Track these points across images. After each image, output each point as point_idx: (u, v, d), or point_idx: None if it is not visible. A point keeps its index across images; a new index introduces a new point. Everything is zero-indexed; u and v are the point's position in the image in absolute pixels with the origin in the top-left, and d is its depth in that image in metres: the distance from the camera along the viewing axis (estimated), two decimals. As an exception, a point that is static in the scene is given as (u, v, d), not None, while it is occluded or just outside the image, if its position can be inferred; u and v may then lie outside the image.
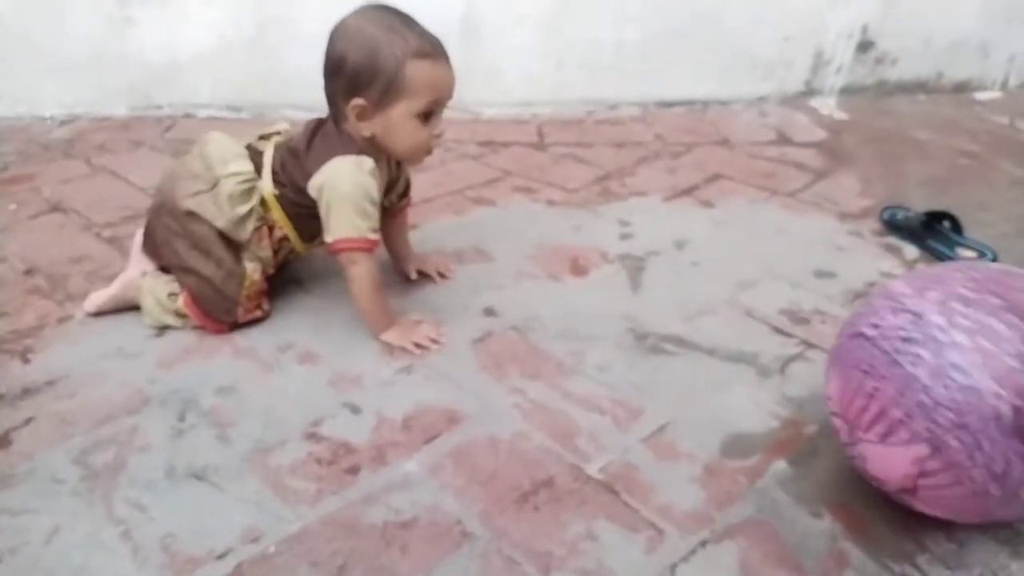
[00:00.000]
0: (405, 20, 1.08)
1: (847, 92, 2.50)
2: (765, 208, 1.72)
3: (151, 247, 1.25)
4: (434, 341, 1.19)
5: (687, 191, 1.80)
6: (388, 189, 1.26)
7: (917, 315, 0.79)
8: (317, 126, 1.17)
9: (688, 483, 0.94)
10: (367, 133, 1.12)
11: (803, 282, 1.39)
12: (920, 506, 0.83)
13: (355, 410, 1.05)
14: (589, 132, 2.19)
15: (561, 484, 0.93)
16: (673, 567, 0.83)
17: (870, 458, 0.84)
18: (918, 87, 2.56)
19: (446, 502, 0.90)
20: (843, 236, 1.59)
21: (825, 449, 0.99)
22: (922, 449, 0.77)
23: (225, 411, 1.05)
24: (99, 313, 1.25)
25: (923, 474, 0.78)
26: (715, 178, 1.87)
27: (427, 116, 1.10)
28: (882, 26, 2.42)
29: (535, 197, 1.75)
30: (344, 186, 1.10)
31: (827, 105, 2.44)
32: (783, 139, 2.16)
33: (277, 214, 1.20)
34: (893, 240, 1.58)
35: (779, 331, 1.25)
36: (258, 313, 1.23)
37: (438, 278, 1.38)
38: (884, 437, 0.80)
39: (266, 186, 1.18)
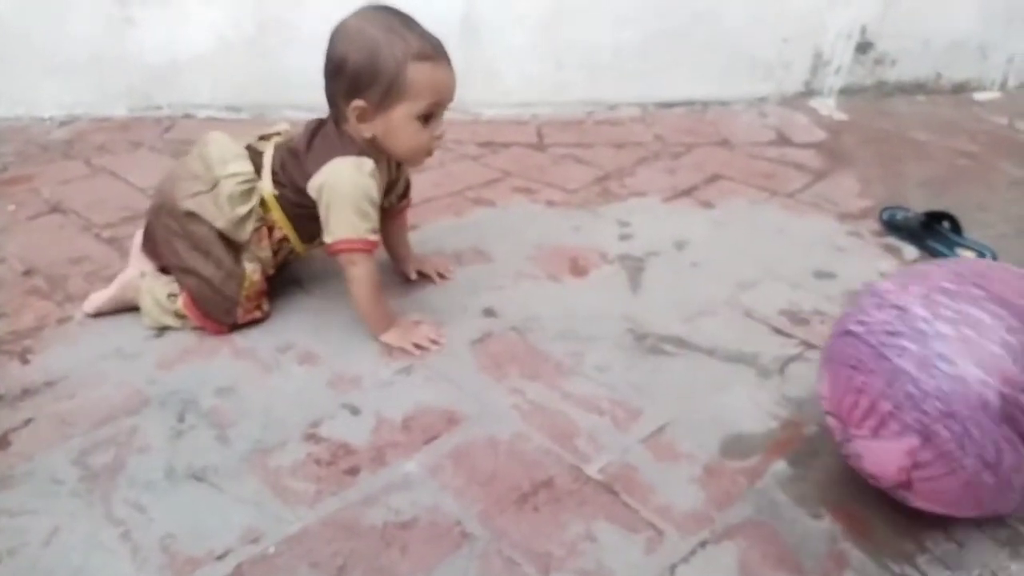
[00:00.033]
0: (406, 21, 1.08)
1: (846, 93, 2.50)
2: (765, 209, 1.72)
3: (151, 247, 1.25)
4: (433, 342, 1.19)
5: (687, 191, 1.80)
6: (388, 190, 1.26)
7: (901, 309, 0.81)
8: (317, 127, 1.17)
9: (688, 484, 0.94)
10: (367, 134, 1.12)
11: (803, 282, 1.39)
12: (917, 501, 0.83)
13: (354, 411, 1.05)
14: (589, 133, 2.19)
15: (560, 485, 0.93)
16: (673, 568, 0.83)
17: (864, 454, 0.85)
18: (917, 88, 2.56)
19: (446, 503, 0.90)
20: (843, 236, 1.59)
21: (825, 450, 0.99)
22: (913, 440, 0.77)
23: (224, 412, 1.05)
24: (98, 314, 1.25)
25: (916, 466, 0.79)
26: (715, 179, 1.87)
27: (428, 118, 1.10)
28: (881, 27, 2.42)
29: (535, 198, 1.75)
30: (344, 187, 1.10)
31: (826, 106, 2.44)
32: (783, 140, 2.16)
33: (277, 215, 1.19)
34: (892, 240, 1.58)
35: (779, 331, 1.25)
36: (257, 314, 1.23)
37: (438, 279, 1.38)
38: (876, 431, 0.81)
39: (266, 187, 1.18)
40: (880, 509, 0.90)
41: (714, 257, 1.48)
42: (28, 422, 1.02)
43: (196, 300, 1.18)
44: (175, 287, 1.21)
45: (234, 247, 1.18)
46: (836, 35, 2.41)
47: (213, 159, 1.16)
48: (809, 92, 2.48)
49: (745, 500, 0.91)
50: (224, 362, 1.15)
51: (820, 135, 2.20)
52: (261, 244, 1.21)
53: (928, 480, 0.79)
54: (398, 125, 1.10)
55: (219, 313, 1.19)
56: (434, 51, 1.08)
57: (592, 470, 0.95)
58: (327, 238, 1.14)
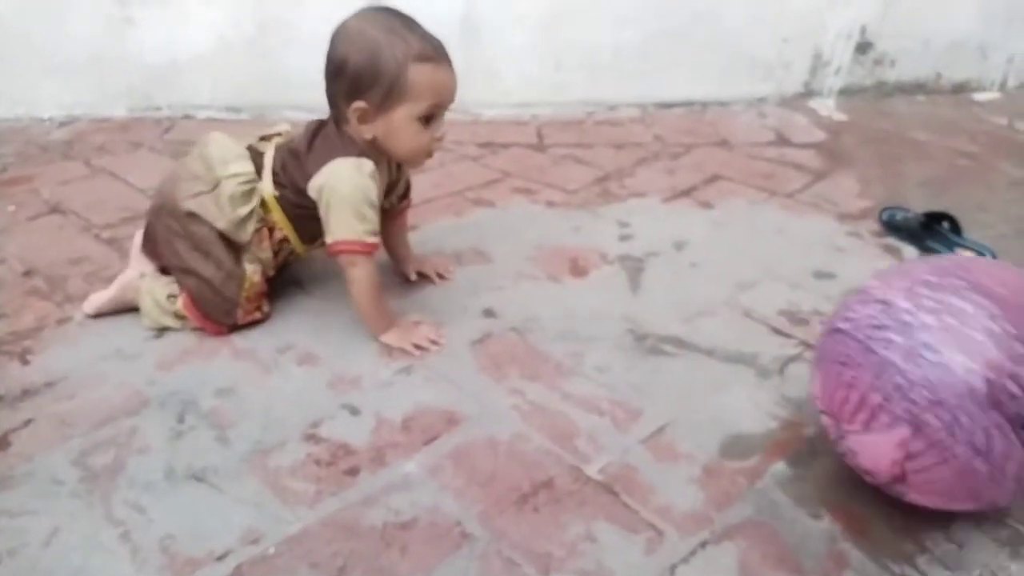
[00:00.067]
0: (407, 22, 1.08)
1: (846, 93, 2.50)
2: (764, 209, 1.72)
3: (151, 248, 1.25)
4: (433, 342, 1.19)
5: (686, 192, 1.80)
6: (388, 191, 1.26)
7: (886, 303, 0.82)
8: (318, 127, 1.17)
9: (687, 484, 0.94)
10: (368, 136, 1.11)
11: (802, 283, 1.39)
12: (914, 495, 0.84)
13: (354, 411, 1.05)
14: (588, 133, 2.19)
15: (560, 485, 0.93)
16: (673, 568, 0.83)
17: (858, 449, 0.85)
18: (917, 88, 2.57)
19: (446, 503, 0.90)
20: (842, 237, 1.59)
21: (824, 450, 0.98)
22: (904, 431, 0.78)
23: (224, 412, 1.05)
24: (98, 315, 1.25)
25: (909, 457, 0.79)
26: (714, 179, 1.88)
27: (428, 119, 1.10)
28: (881, 27, 2.42)
29: (534, 198, 1.75)
30: (344, 188, 1.10)
31: (826, 106, 2.44)
32: (782, 140, 2.16)
33: (277, 215, 1.19)
34: (892, 241, 1.58)
35: (778, 332, 1.25)
36: (258, 315, 1.23)
37: (437, 279, 1.38)
38: (867, 424, 0.82)
39: (266, 187, 1.18)
40: (880, 509, 0.90)
41: (714, 257, 1.48)
42: (28, 423, 1.02)
43: (196, 301, 1.18)
44: (175, 288, 1.21)
45: (235, 248, 1.18)
46: (836, 35, 2.41)
47: (214, 159, 1.16)
48: (809, 92, 2.49)
49: (745, 500, 0.92)
50: (224, 363, 1.15)
51: (820, 135, 2.20)
52: (262, 245, 1.21)
53: (921, 471, 0.79)
54: (399, 126, 1.10)
55: (219, 314, 1.19)
56: (435, 52, 1.08)
57: (592, 470, 0.95)
58: (327, 239, 1.14)
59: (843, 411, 0.85)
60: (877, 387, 0.80)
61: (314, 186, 1.12)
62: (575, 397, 1.08)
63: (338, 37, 1.09)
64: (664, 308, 1.30)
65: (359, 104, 1.08)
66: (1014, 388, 0.74)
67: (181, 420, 1.03)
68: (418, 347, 1.18)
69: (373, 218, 1.13)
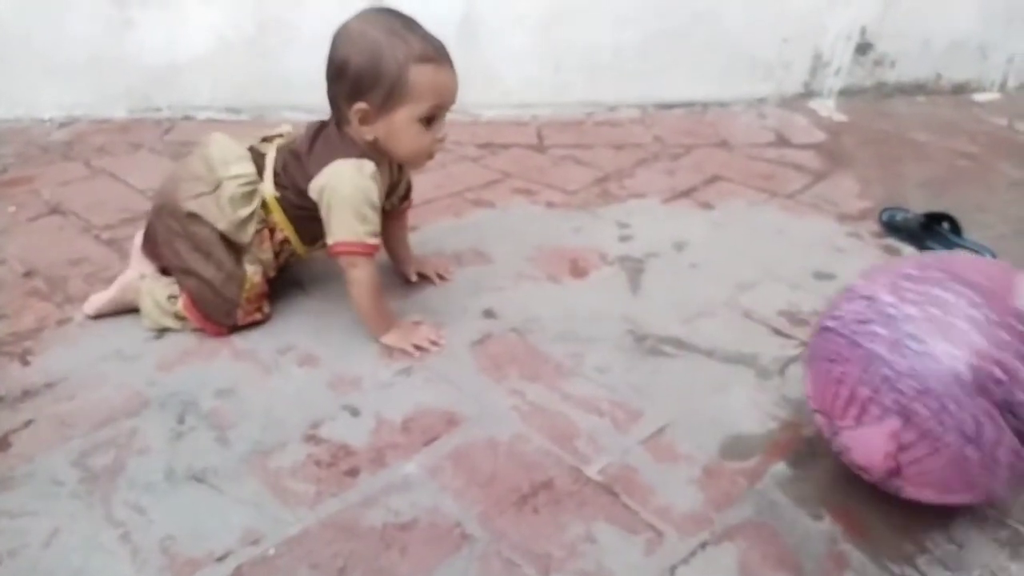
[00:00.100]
0: (408, 24, 1.08)
1: (846, 94, 2.50)
2: (764, 210, 1.72)
3: (151, 248, 1.25)
4: (433, 343, 1.19)
5: (686, 193, 1.80)
6: (390, 192, 1.26)
7: (870, 298, 0.84)
8: (319, 129, 1.17)
9: (687, 485, 0.94)
10: (369, 137, 1.11)
11: (802, 283, 1.39)
12: (910, 489, 0.84)
13: (354, 412, 1.05)
14: (588, 134, 2.19)
15: (560, 486, 0.93)
16: (672, 569, 0.83)
17: (852, 445, 0.86)
18: (917, 89, 2.57)
19: (445, 504, 0.90)
20: (842, 237, 1.59)
21: (824, 451, 0.98)
22: (894, 422, 0.79)
23: (224, 413, 1.05)
24: (98, 315, 1.25)
25: (901, 448, 0.80)
26: (714, 180, 1.88)
27: (430, 120, 1.10)
28: (881, 28, 2.42)
29: (534, 199, 1.75)
30: (345, 189, 1.10)
31: (826, 107, 2.44)
32: (782, 141, 2.16)
33: (278, 216, 1.20)
34: (892, 241, 1.58)
35: (778, 332, 1.25)
36: (258, 316, 1.23)
37: (437, 280, 1.38)
38: (858, 418, 0.83)
39: (267, 188, 1.18)
40: (880, 510, 0.90)
41: (713, 258, 1.48)
42: (28, 423, 1.02)
43: (196, 302, 1.18)
44: (175, 289, 1.21)
45: (235, 249, 1.18)
46: (836, 36, 2.41)
47: (215, 160, 1.16)
48: (808, 93, 2.49)
49: (745, 501, 0.92)
50: (224, 364, 1.15)
51: (820, 136, 2.20)
52: (263, 246, 1.21)
53: (915, 463, 0.80)
54: (400, 127, 1.10)
55: (219, 315, 1.19)
56: (436, 53, 1.07)
57: (592, 471, 0.95)
58: (328, 240, 1.14)
59: (835, 407, 0.86)
60: (865, 380, 0.81)
61: (315, 187, 1.12)
62: (575, 398, 1.08)
63: (339, 38, 1.09)
64: (664, 309, 1.30)
65: (360, 105, 1.08)
66: (999, 374, 0.75)
67: (181, 421, 1.03)
68: (418, 348, 1.18)
69: (374, 219, 1.13)
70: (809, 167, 1.97)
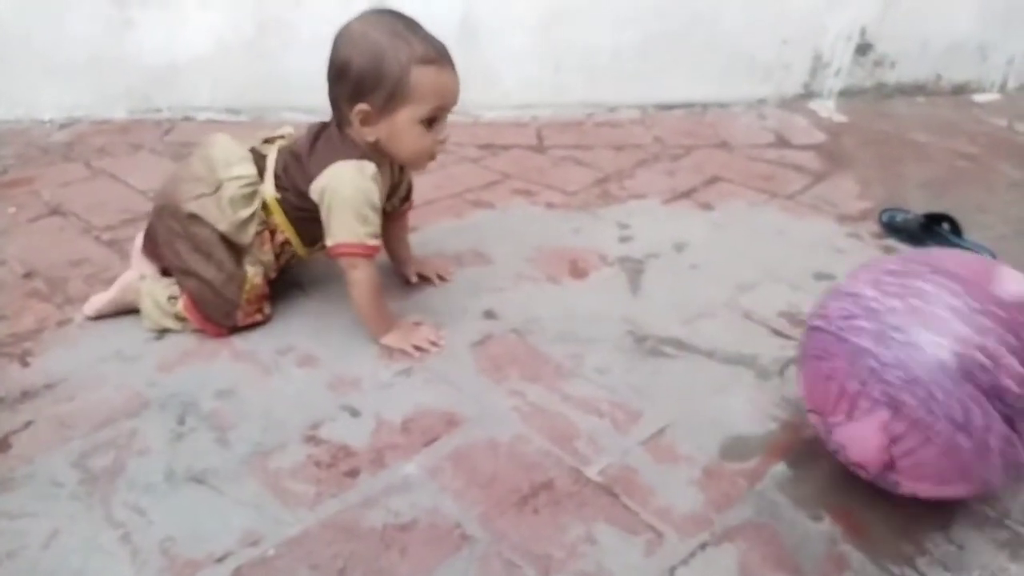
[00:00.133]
0: (410, 25, 1.08)
1: (846, 94, 2.50)
2: (764, 210, 1.72)
3: (151, 249, 1.25)
4: (433, 344, 1.19)
5: (686, 193, 1.80)
6: (391, 193, 1.26)
7: (854, 295, 0.86)
8: (320, 130, 1.17)
9: (687, 485, 0.94)
10: (371, 138, 1.11)
11: (802, 284, 1.39)
12: (906, 483, 0.84)
13: (354, 413, 1.05)
14: (588, 135, 2.19)
15: (560, 487, 0.93)
16: (672, 570, 0.83)
17: (846, 442, 0.86)
18: (917, 89, 2.57)
19: (445, 505, 0.90)
20: (842, 238, 1.59)
21: (824, 451, 0.98)
22: (884, 413, 0.80)
23: (224, 414, 1.05)
24: (98, 316, 1.25)
25: (893, 440, 0.80)
26: (714, 180, 1.88)
27: (431, 122, 1.10)
28: (880, 28, 2.42)
29: (534, 200, 1.75)
30: (345, 190, 1.10)
31: (826, 107, 2.44)
32: (782, 141, 2.16)
33: (279, 218, 1.20)
34: (892, 242, 1.58)
35: (778, 333, 1.25)
36: (258, 317, 1.23)
37: (438, 281, 1.38)
38: (850, 413, 0.84)
39: (268, 190, 1.18)
40: (879, 511, 0.90)
41: (713, 259, 1.48)
42: (28, 425, 1.02)
43: (197, 302, 1.18)
44: (175, 289, 1.21)
45: (236, 250, 1.18)
46: (835, 37, 2.41)
47: (217, 161, 1.17)
48: (808, 94, 2.49)
49: (745, 502, 0.91)
50: (224, 364, 1.15)
51: (820, 137, 2.20)
52: (263, 247, 1.21)
53: (908, 455, 0.80)
54: (402, 129, 1.10)
55: (219, 316, 1.19)
56: (438, 55, 1.07)
57: (592, 472, 0.95)
58: (328, 241, 1.14)
59: (826, 404, 0.87)
60: (853, 374, 0.82)
61: (316, 188, 1.12)
62: (575, 399, 1.08)
63: (341, 40, 1.09)
64: (664, 310, 1.30)
65: (362, 107, 1.08)
66: (983, 359, 0.76)
67: (181, 422, 1.03)
68: (418, 348, 1.18)
69: (374, 220, 1.13)
70: (809, 168, 1.97)
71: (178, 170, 1.24)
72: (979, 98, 2.58)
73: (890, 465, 0.83)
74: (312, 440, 1.00)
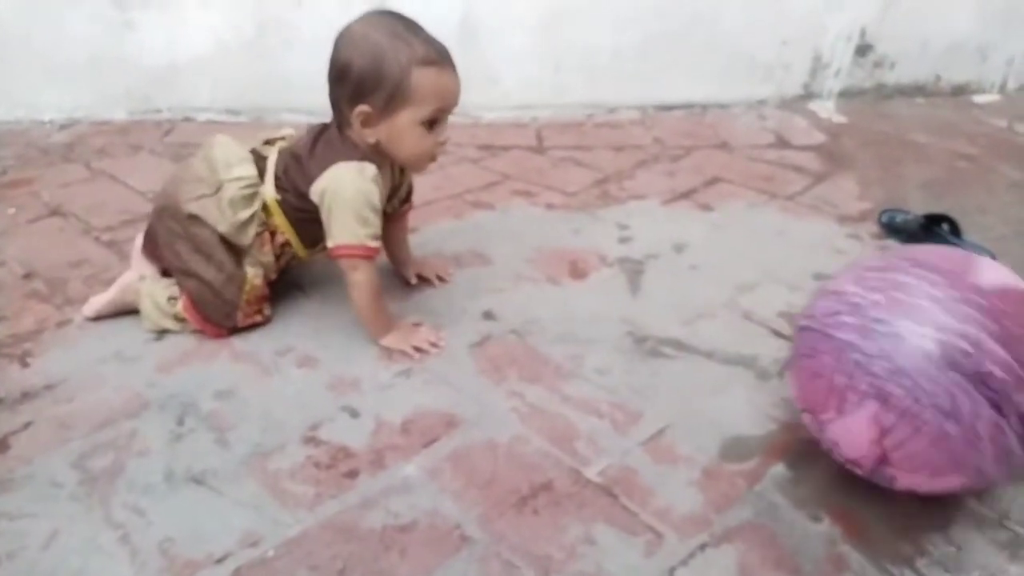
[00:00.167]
0: (411, 26, 1.08)
1: (846, 95, 2.50)
2: (764, 211, 1.72)
3: (152, 249, 1.25)
4: (433, 345, 1.19)
5: (686, 194, 1.80)
6: (391, 195, 1.26)
7: (837, 293, 0.88)
8: (320, 131, 1.17)
9: (687, 486, 0.94)
10: (371, 140, 1.11)
11: (802, 285, 1.39)
12: (901, 477, 0.84)
13: (354, 414, 1.05)
14: (588, 135, 2.19)
15: (560, 488, 0.93)
16: (672, 570, 0.83)
17: (839, 439, 0.87)
18: (916, 90, 2.57)
19: (445, 506, 0.90)
20: (842, 239, 1.59)
21: (823, 452, 0.98)
22: (872, 405, 0.81)
23: (224, 415, 1.05)
24: (98, 317, 1.25)
25: (884, 433, 0.81)
26: (714, 181, 1.88)
27: (432, 123, 1.10)
28: (880, 29, 2.42)
29: (534, 201, 1.75)
30: (346, 192, 1.10)
31: (826, 108, 2.44)
32: (782, 142, 2.16)
33: (279, 219, 1.20)
34: (892, 243, 1.58)
35: (778, 334, 1.25)
36: (258, 318, 1.23)
37: (437, 282, 1.38)
38: (840, 408, 0.84)
39: (268, 191, 1.18)
40: (879, 511, 0.90)
41: (713, 260, 1.48)
42: (27, 425, 1.02)
43: (196, 303, 1.18)
44: (175, 290, 1.21)
45: (236, 251, 1.18)
46: (835, 37, 2.41)
47: (218, 162, 1.17)
48: (808, 95, 2.49)
49: (744, 503, 0.91)
50: (223, 365, 1.15)
51: (819, 137, 2.20)
52: (263, 249, 1.21)
53: (899, 447, 0.81)
54: (402, 130, 1.09)
55: (219, 316, 1.19)
56: (439, 57, 1.07)
57: (591, 473, 0.95)
58: (329, 243, 1.14)
59: (817, 402, 0.88)
60: (839, 368, 0.84)
61: (316, 190, 1.12)
62: (574, 399, 1.08)
63: (342, 41, 1.09)
64: (664, 310, 1.30)
65: (363, 108, 1.08)
66: (965, 346, 0.77)
67: (181, 423, 1.03)
68: (417, 349, 1.18)
69: (375, 222, 1.13)
70: (809, 169, 1.97)
71: (179, 171, 1.24)
72: (979, 99, 2.58)
73: (883, 458, 0.83)
74: (311, 441, 1.00)
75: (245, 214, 1.16)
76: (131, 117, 2.23)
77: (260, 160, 1.19)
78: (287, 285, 1.33)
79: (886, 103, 2.51)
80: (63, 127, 2.17)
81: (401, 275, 1.39)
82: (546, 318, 1.27)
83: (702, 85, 2.40)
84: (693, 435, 1.02)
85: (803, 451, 1.00)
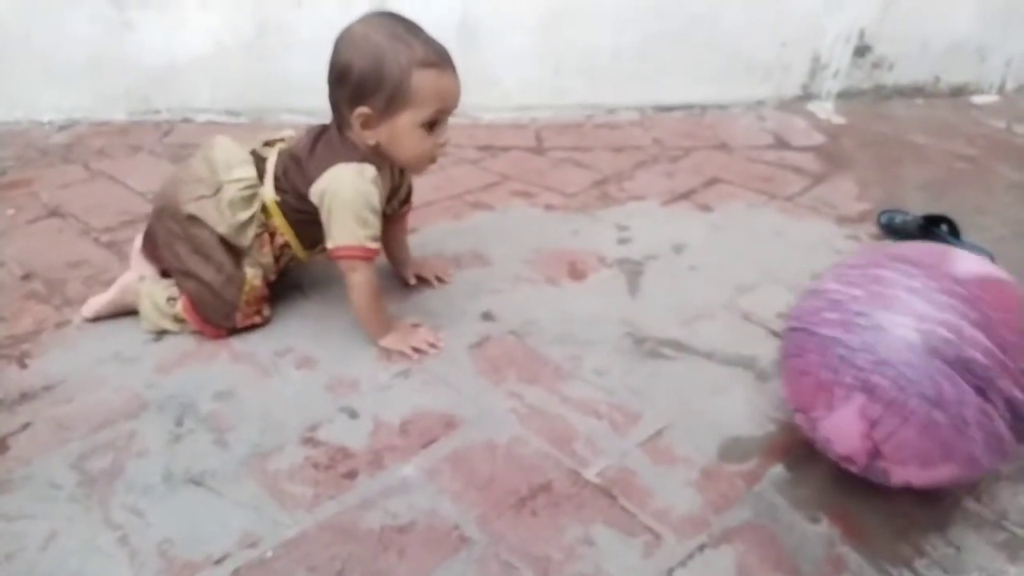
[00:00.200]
0: (411, 28, 1.08)
1: (844, 96, 2.51)
2: (763, 212, 1.72)
3: (151, 250, 1.25)
4: (432, 346, 1.19)
5: (685, 195, 1.80)
6: (390, 196, 1.26)
7: (820, 292, 0.90)
8: (320, 132, 1.17)
9: (685, 487, 0.94)
10: (371, 141, 1.11)
11: (801, 286, 1.38)
12: (894, 470, 0.84)
13: (352, 415, 1.05)
14: (587, 136, 2.19)
15: (559, 489, 0.93)
16: (670, 571, 0.83)
17: (830, 435, 0.87)
18: (915, 91, 2.57)
19: (443, 507, 0.90)
20: (841, 240, 1.59)
21: (822, 453, 0.98)
22: (859, 398, 0.82)
23: (223, 416, 1.05)
24: (97, 318, 1.25)
25: (872, 425, 0.82)
26: (713, 182, 1.88)
27: (432, 125, 1.10)
28: (879, 30, 2.42)
29: (533, 201, 1.75)
30: (345, 193, 1.10)
31: (825, 109, 2.45)
32: (781, 143, 2.17)
33: (278, 221, 1.20)
34: (891, 244, 1.58)
35: (777, 335, 1.25)
36: (257, 319, 1.23)
37: (436, 283, 1.38)
38: (829, 404, 0.85)
39: (267, 192, 1.18)
40: (878, 512, 0.90)
41: (712, 260, 1.48)
42: (26, 426, 1.02)
43: (196, 304, 1.18)
44: (174, 291, 1.21)
45: (235, 252, 1.18)
46: (834, 38, 2.41)
47: (218, 163, 1.17)
48: (807, 96, 2.49)
49: (743, 504, 0.91)
50: (223, 366, 1.15)
51: (818, 138, 2.21)
52: (263, 250, 1.21)
53: (889, 438, 0.81)
54: (402, 132, 1.09)
55: (218, 317, 1.19)
56: (439, 58, 1.07)
57: (590, 474, 0.95)
58: (329, 244, 1.14)
59: (807, 400, 0.89)
60: (825, 364, 0.85)
61: (316, 191, 1.12)
62: (573, 400, 1.08)
63: (342, 42, 1.09)
64: (663, 311, 1.30)
65: (363, 110, 1.08)
66: (946, 333, 0.78)
67: (180, 423, 1.03)
68: (416, 350, 1.18)
69: (375, 223, 1.13)
70: (808, 169, 1.97)
71: (178, 171, 1.24)
72: (977, 100, 2.59)
73: (875, 452, 0.83)
74: (310, 442, 1.00)
75: (244, 215, 1.16)
76: (130, 118, 2.23)
77: (260, 161, 1.19)
78: (286, 286, 1.33)
79: (885, 104, 2.51)
80: (62, 128, 2.17)
81: (400, 276, 1.39)
82: (545, 319, 1.28)
83: (701, 86, 2.40)
84: (692, 436, 1.02)
85: (802, 452, 1.00)
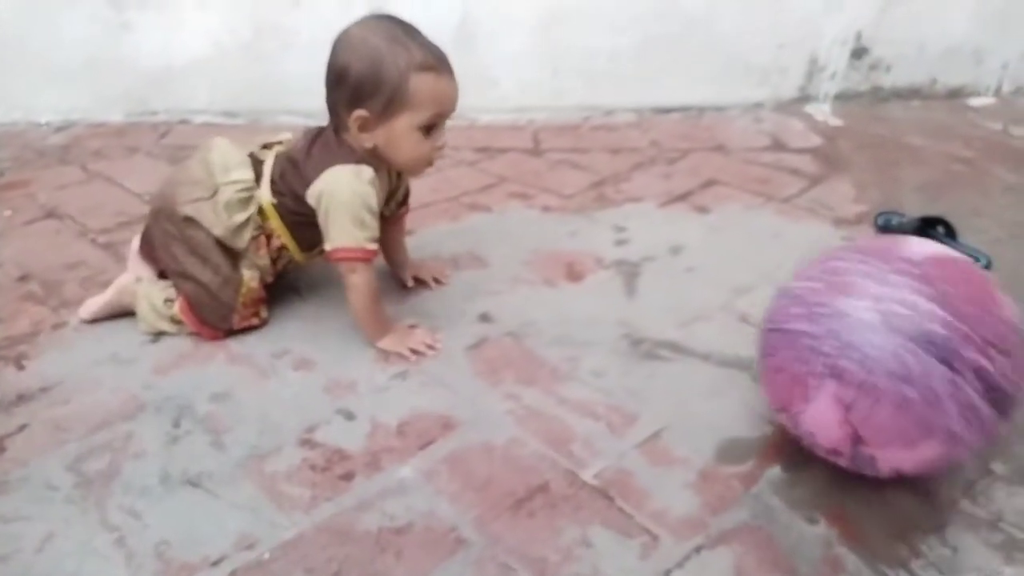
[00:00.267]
0: (409, 31, 1.08)
1: (842, 98, 2.51)
2: (760, 214, 1.72)
3: (148, 251, 1.25)
4: (429, 347, 1.19)
5: (682, 197, 1.80)
6: (388, 199, 1.26)
7: (785, 292, 0.94)
8: (317, 135, 1.17)
9: (683, 489, 0.94)
10: (369, 144, 1.11)
11: (798, 288, 1.39)
12: (879, 455, 0.85)
13: (350, 416, 1.05)
14: (585, 138, 2.19)
15: (556, 490, 0.93)
16: (668, 573, 0.83)
17: (812, 428, 0.88)
18: (912, 93, 2.57)
19: (441, 508, 0.90)
20: (838, 242, 1.59)
21: (820, 455, 0.99)
22: (831, 384, 0.83)
23: (220, 417, 1.04)
24: (94, 319, 1.25)
25: (848, 409, 0.83)
26: (710, 184, 1.88)
27: (429, 128, 1.10)
28: (876, 32, 2.43)
29: (531, 203, 1.75)
30: (343, 194, 1.10)
31: (822, 111, 2.45)
32: (778, 145, 2.17)
33: (275, 223, 1.20)
34: (887, 246, 1.58)
35: (774, 337, 1.25)
36: (255, 321, 1.23)
37: (434, 284, 1.38)
38: (805, 397, 0.87)
39: (264, 195, 1.18)
40: (875, 514, 0.90)
41: (709, 262, 1.49)
42: (23, 428, 1.02)
43: (193, 305, 1.18)
44: (171, 292, 1.21)
45: (233, 253, 1.18)
46: (831, 41, 2.42)
47: (216, 165, 1.17)
48: (804, 98, 2.49)
49: (740, 505, 0.92)
50: (220, 368, 1.15)
51: (815, 140, 2.21)
52: (259, 252, 1.21)
53: (865, 421, 0.83)
54: (400, 135, 1.09)
55: (215, 319, 1.19)
56: (437, 62, 1.07)
57: (587, 475, 0.95)
58: (327, 246, 1.14)
59: (785, 397, 0.91)
60: (796, 357, 0.87)
61: (313, 193, 1.12)
62: (571, 402, 1.09)
63: (340, 45, 1.09)
64: (660, 313, 1.31)
65: (360, 112, 1.08)
66: (902, 310, 0.80)
67: (177, 425, 1.03)
68: (414, 352, 1.18)
69: (373, 225, 1.13)
70: (805, 171, 1.97)
71: (176, 173, 1.24)
72: (974, 102, 2.59)
73: (856, 437, 0.84)
74: (307, 443, 1.00)
75: (240, 217, 1.16)
76: (128, 119, 2.23)
77: (257, 164, 1.19)
78: (284, 288, 1.33)
79: (882, 106, 2.52)
80: (59, 129, 2.17)
81: (398, 278, 1.39)
82: (542, 320, 1.28)
83: (699, 88, 2.40)
84: (689, 437, 1.02)
85: (799, 453, 0.99)
